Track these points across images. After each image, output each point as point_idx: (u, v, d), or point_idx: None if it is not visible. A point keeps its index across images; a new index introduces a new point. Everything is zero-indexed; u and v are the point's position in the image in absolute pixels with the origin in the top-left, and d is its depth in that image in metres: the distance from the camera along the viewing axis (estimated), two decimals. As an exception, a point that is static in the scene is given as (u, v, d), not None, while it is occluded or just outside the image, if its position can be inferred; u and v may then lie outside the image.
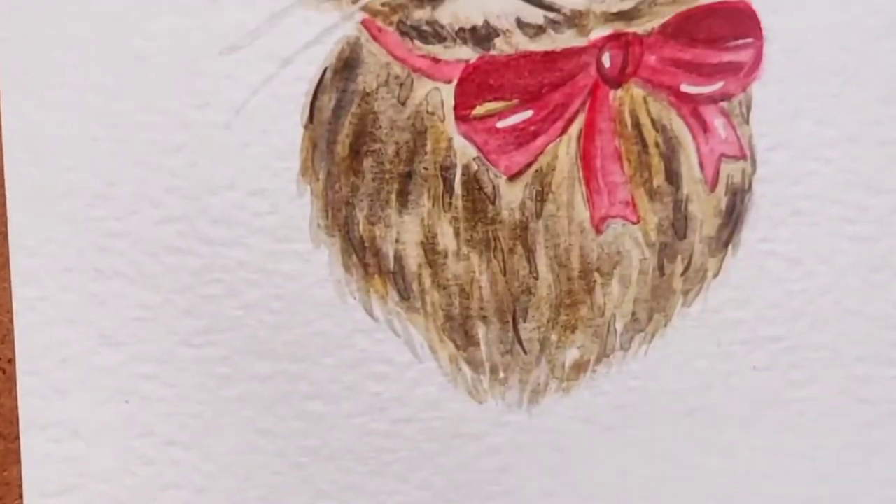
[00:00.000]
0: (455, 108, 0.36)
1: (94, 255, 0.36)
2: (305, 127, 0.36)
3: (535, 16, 0.35)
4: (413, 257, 0.37)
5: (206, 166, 0.36)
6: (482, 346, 0.37)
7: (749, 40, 0.36)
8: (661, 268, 0.37)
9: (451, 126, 0.36)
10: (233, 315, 0.36)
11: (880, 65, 0.37)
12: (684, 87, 0.36)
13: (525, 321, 0.37)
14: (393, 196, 0.36)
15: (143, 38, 0.36)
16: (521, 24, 0.35)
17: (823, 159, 0.37)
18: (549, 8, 0.35)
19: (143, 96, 0.36)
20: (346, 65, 0.36)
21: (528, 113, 0.36)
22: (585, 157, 0.36)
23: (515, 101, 0.36)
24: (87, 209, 0.36)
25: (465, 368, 0.37)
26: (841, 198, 0.37)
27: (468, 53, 0.36)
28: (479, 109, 0.36)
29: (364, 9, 0.35)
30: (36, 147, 0.36)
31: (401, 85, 0.36)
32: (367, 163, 0.36)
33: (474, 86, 0.36)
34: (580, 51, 0.36)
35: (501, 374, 0.37)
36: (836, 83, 0.37)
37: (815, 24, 0.36)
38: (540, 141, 0.36)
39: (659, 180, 0.36)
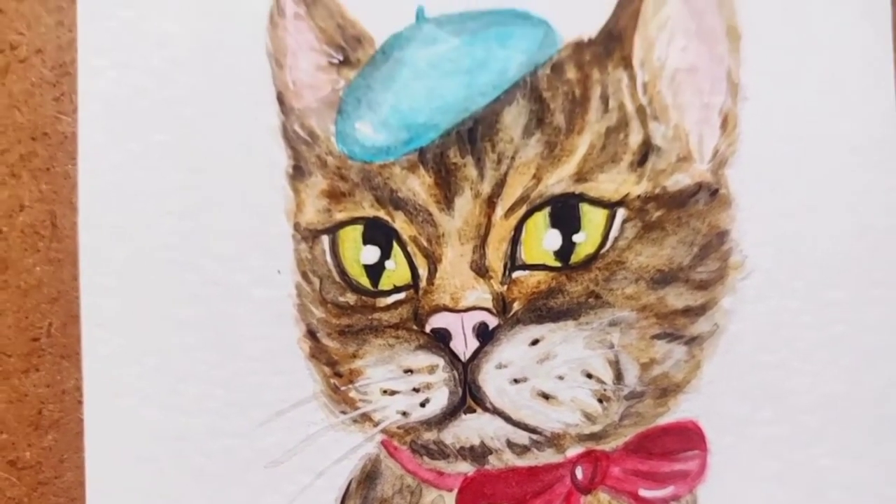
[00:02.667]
0: (455, 512, 0.44)
1: None
2: (334, 528, 0.44)
3: (522, 438, 0.43)
4: None
5: (251, 561, 0.44)
6: None
7: (696, 452, 0.45)
8: None
9: (451, 529, 0.44)
10: None
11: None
12: (642, 492, 0.44)
13: None
14: (402, 581, 0.44)
15: (202, 455, 0.44)
16: (510, 444, 0.43)
17: None
18: (534, 431, 0.43)
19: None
20: (368, 476, 0.44)
21: (515, 516, 0.44)
22: (560, 553, 0.44)
23: (505, 506, 0.44)
24: None
25: None
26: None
27: (467, 467, 0.44)
28: (475, 513, 0.44)
29: (384, 431, 0.44)
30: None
31: (412, 493, 0.44)
32: (382, 564, 0.45)
33: (472, 494, 0.44)
34: (558, 465, 0.44)
35: None
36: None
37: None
38: (524, 538, 0.44)
39: (622, 568, 0.45)
